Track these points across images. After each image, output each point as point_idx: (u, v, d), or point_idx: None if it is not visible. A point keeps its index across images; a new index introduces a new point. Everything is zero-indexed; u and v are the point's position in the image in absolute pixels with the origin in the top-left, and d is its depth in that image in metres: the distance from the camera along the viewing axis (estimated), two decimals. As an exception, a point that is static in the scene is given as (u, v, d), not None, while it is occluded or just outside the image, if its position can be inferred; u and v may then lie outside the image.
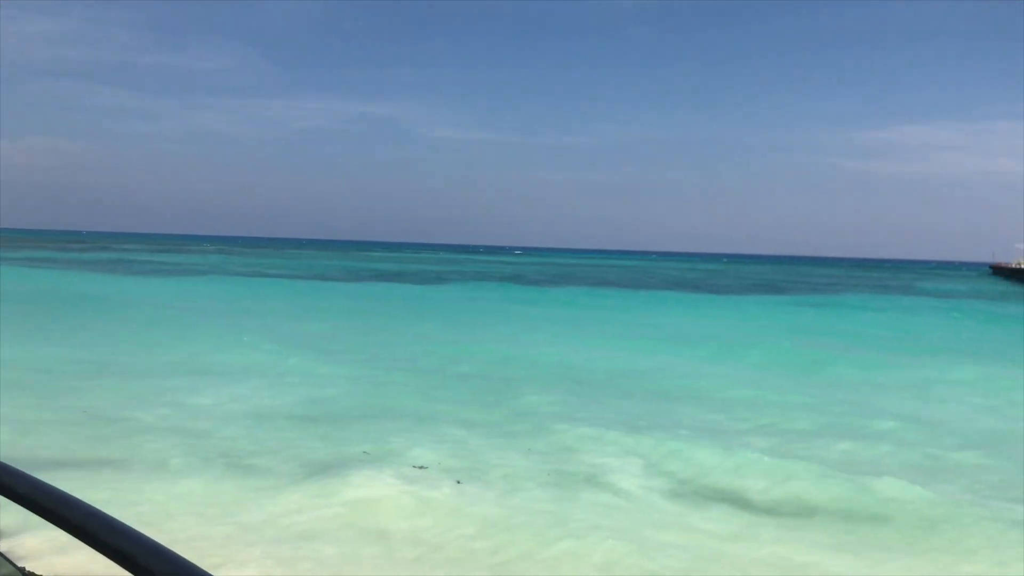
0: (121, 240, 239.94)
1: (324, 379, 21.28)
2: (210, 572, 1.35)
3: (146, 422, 15.69)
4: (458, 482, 12.29)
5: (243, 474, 12.39)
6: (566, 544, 9.82)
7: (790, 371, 26.32)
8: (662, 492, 12.39)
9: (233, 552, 9.12)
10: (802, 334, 38.36)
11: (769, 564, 9.66)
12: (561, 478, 12.80)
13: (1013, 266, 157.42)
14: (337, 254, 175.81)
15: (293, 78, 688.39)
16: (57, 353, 23.52)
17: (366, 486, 11.60)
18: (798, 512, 11.82)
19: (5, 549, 7.06)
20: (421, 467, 12.99)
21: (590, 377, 23.38)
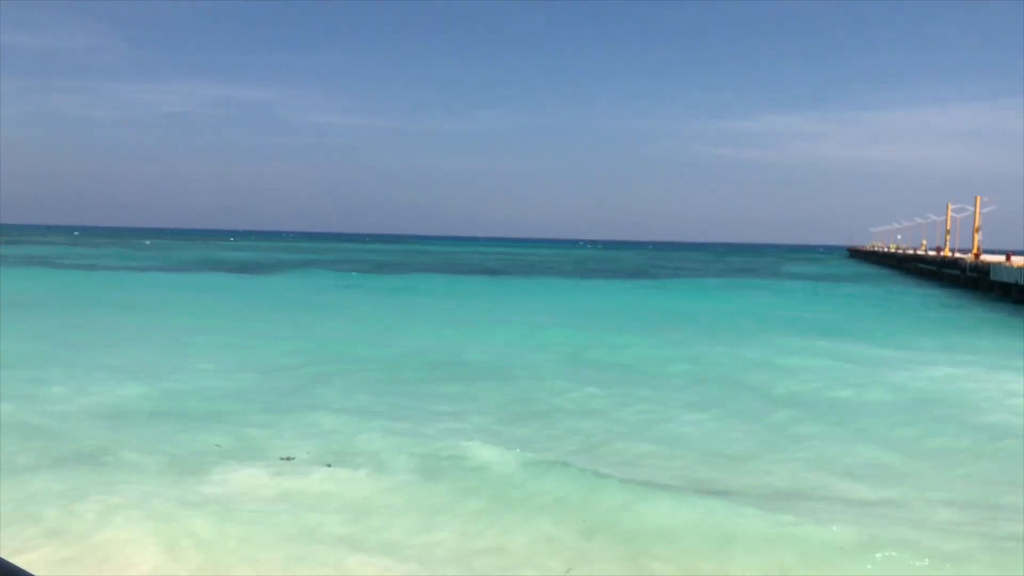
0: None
1: (181, 374, 20.59)
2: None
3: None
4: (328, 465, 12.42)
5: (96, 470, 11.96)
6: (432, 525, 10.05)
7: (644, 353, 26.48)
8: (524, 471, 12.50)
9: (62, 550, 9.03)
10: (650, 316, 39.96)
11: (632, 530, 10.06)
12: (430, 462, 12.89)
13: (867, 248, 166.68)
14: (200, 243, 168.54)
15: (158, 60, 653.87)
16: None
17: (228, 480, 11.60)
18: (653, 481, 12.02)
19: None
20: (288, 458, 12.97)
21: (459, 363, 23.47)
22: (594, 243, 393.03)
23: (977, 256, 74.41)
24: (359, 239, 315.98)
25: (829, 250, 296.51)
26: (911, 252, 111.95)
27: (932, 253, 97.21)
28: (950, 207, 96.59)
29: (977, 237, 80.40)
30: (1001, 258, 68.54)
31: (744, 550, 9.56)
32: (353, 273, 73.75)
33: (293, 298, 46.51)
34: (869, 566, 9.14)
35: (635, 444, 14.67)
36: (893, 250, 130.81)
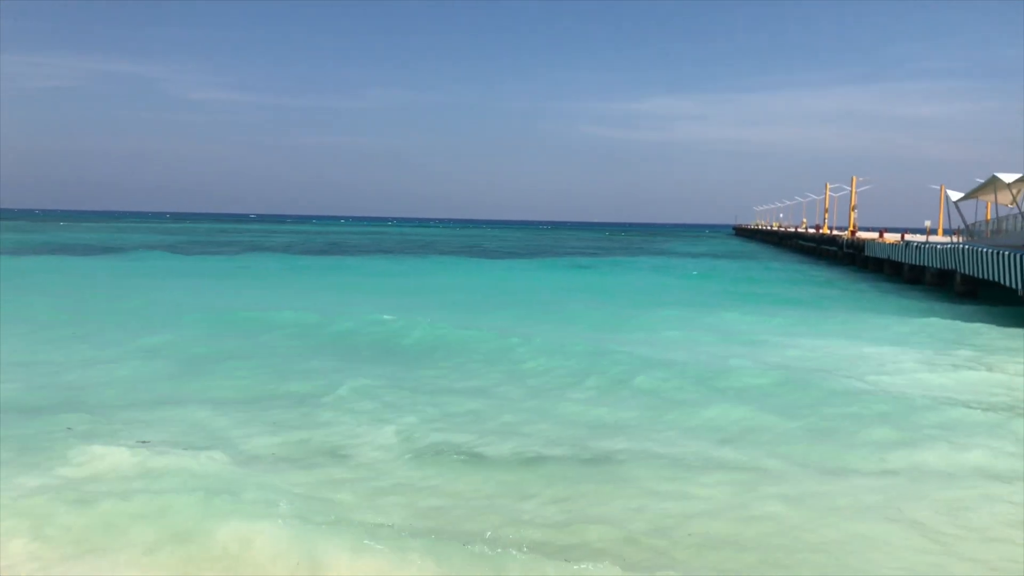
0: None
1: (38, 362, 19.39)
2: None
3: None
4: (185, 450, 12.01)
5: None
6: (298, 514, 9.68)
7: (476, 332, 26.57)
8: (402, 453, 12.37)
9: None
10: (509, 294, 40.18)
11: (509, 516, 9.99)
12: (307, 450, 12.49)
13: (751, 227, 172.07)
14: (50, 226, 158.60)
15: (37, 32, 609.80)
16: None
17: (85, 463, 11.27)
18: (527, 463, 12.18)
19: None
20: (144, 441, 12.48)
21: (349, 344, 22.87)
22: (489, 223, 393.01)
23: (853, 233, 77.34)
24: (243, 220, 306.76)
25: (716, 229, 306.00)
26: (792, 230, 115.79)
27: (812, 231, 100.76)
28: (828, 186, 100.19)
29: (853, 215, 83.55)
30: (875, 235, 71.36)
31: (624, 514, 9.76)
32: (236, 256, 70.89)
33: (155, 283, 43.82)
34: (739, 526, 9.44)
35: (520, 419, 14.49)
36: (776, 228, 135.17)
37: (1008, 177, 43.76)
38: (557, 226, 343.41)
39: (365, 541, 8.66)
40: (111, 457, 11.43)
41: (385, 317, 26.57)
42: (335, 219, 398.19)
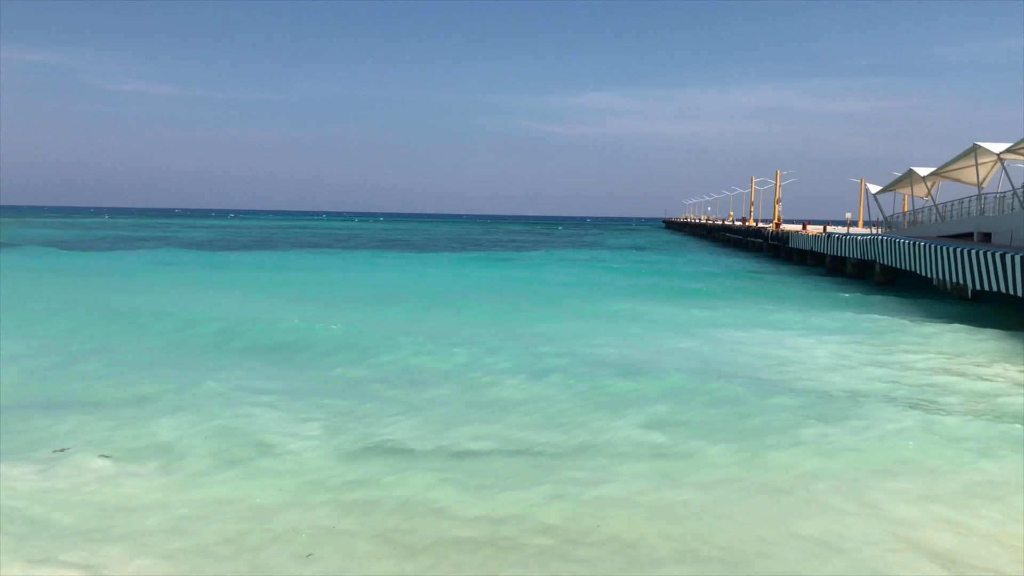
0: None
1: None
2: None
3: None
4: (105, 456, 11.62)
5: None
6: (222, 512, 9.61)
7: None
8: (323, 452, 12.12)
9: None
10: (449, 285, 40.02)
11: (437, 508, 9.97)
12: (226, 447, 12.19)
13: (681, 220, 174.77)
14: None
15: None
16: None
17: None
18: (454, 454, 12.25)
19: None
20: (61, 449, 11.96)
21: (272, 343, 22.28)
22: (423, 217, 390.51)
23: (778, 225, 79.00)
24: (168, 214, 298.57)
25: (648, 222, 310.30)
26: (720, 223, 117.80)
27: (738, 223, 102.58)
28: (754, 180, 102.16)
29: (778, 208, 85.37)
30: (799, 227, 72.96)
31: (546, 504, 9.79)
32: (158, 250, 68.98)
33: (71, 280, 42.21)
34: (656, 512, 9.58)
35: (443, 413, 14.40)
36: (704, 221, 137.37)
37: (923, 171, 45.12)
38: (493, 219, 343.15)
39: (292, 537, 8.62)
40: (23, 468, 11.07)
41: (301, 314, 26.18)
42: (264, 214, 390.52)
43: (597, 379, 17.12)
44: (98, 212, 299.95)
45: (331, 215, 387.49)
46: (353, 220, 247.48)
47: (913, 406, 14.96)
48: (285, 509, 9.66)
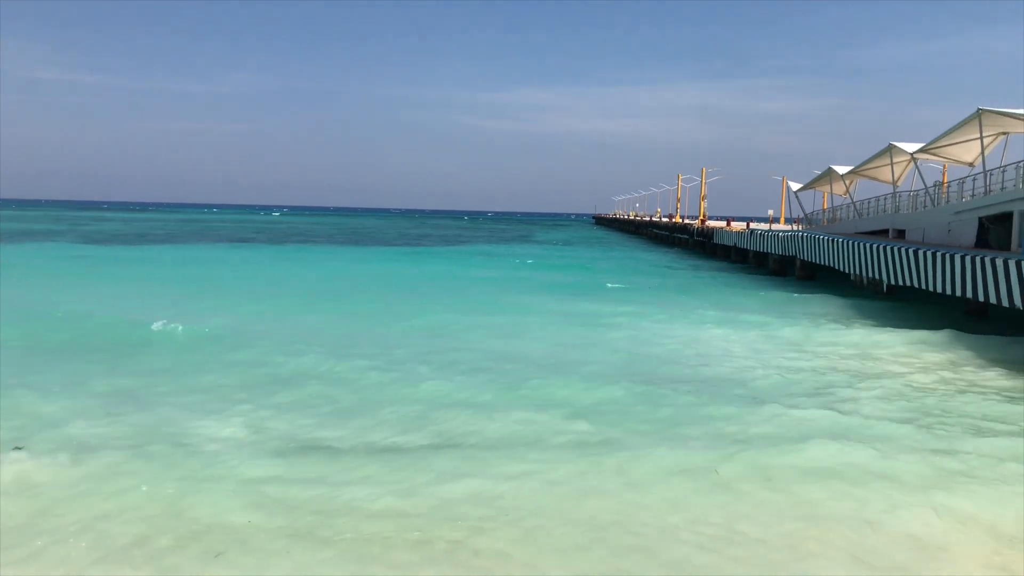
0: None
1: None
2: None
3: None
4: (18, 448, 11.36)
5: None
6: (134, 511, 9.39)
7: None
8: (240, 445, 12.04)
9: None
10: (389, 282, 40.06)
11: (336, 505, 9.82)
12: (146, 443, 11.87)
13: (610, 216, 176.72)
14: None
15: None
16: None
17: None
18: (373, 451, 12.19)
19: None
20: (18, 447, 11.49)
21: (188, 339, 21.75)
22: (358, 211, 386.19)
23: (703, 222, 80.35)
24: (94, 207, 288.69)
25: (579, 218, 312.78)
26: (648, 219, 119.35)
27: (666, 219, 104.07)
28: (680, 177, 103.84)
29: (703, 204, 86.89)
30: (723, 223, 74.36)
31: (466, 495, 9.75)
32: (76, 244, 66.08)
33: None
34: (575, 500, 9.59)
35: (364, 407, 14.24)
36: (632, 217, 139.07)
37: (842, 169, 46.39)
38: (424, 214, 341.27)
39: (213, 536, 8.49)
40: None
41: (204, 311, 25.70)
42: (188, 207, 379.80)
43: (517, 373, 17.04)
44: (5, 204, 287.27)
45: (258, 208, 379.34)
46: (301, 215, 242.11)
47: (823, 395, 15.34)
48: (197, 508, 9.38)
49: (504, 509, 9.40)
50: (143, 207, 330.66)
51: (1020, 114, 27.01)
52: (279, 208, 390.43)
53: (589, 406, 14.37)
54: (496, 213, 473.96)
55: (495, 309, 28.11)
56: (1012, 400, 15.18)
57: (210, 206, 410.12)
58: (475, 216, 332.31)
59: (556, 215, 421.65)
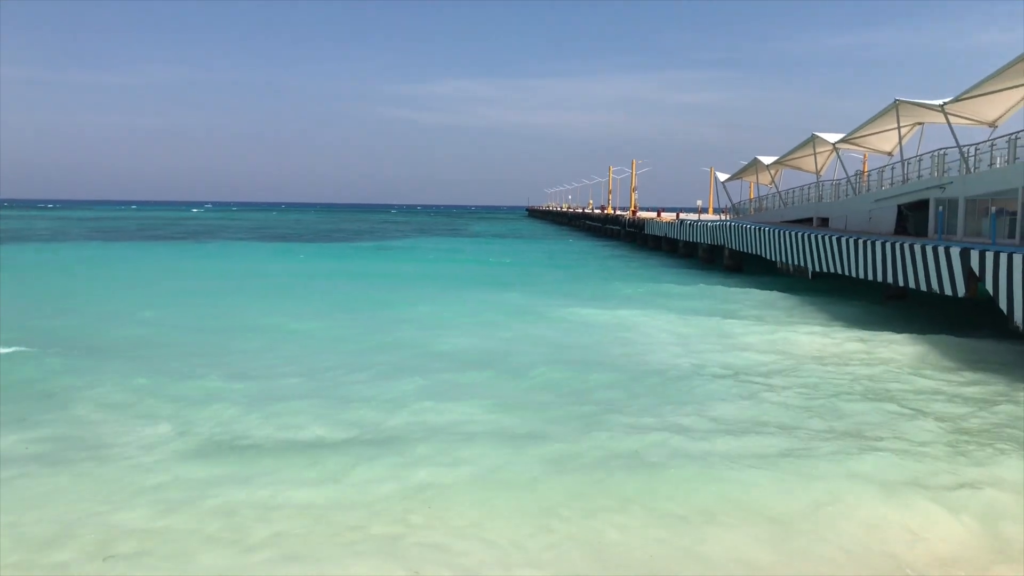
0: None
1: None
2: None
3: None
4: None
5: None
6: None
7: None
8: (168, 452, 11.60)
9: None
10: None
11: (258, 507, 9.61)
12: (58, 449, 11.44)
13: (543, 208, 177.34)
14: None
15: None
16: None
17: None
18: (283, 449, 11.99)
19: None
20: None
21: (109, 338, 21.05)
22: (281, 206, 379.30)
23: (634, 213, 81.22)
24: (35, 206, 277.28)
25: (512, 210, 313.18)
26: (580, 211, 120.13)
27: (598, 211, 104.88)
28: (611, 169, 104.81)
29: (634, 196, 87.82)
30: (654, 214, 75.28)
31: (392, 491, 9.60)
32: (57, 244, 64.65)
33: None
34: (496, 491, 9.51)
35: (293, 406, 13.91)
36: (565, 209, 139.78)
37: (767, 160, 47.31)
38: (351, 208, 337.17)
39: (145, 545, 8.24)
40: None
41: (116, 308, 24.40)
42: (119, 204, 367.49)
43: (442, 367, 16.90)
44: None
45: (179, 204, 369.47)
46: (191, 210, 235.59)
47: (743, 381, 15.58)
48: (109, 513, 9.03)
49: (429, 501, 9.27)
50: (65, 204, 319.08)
51: (934, 105, 27.87)
52: (202, 204, 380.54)
53: (513, 397, 14.31)
54: (428, 206, 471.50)
55: (426, 302, 27.85)
56: (920, 377, 15.61)
57: (132, 203, 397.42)
58: (406, 209, 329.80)
59: (490, 208, 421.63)
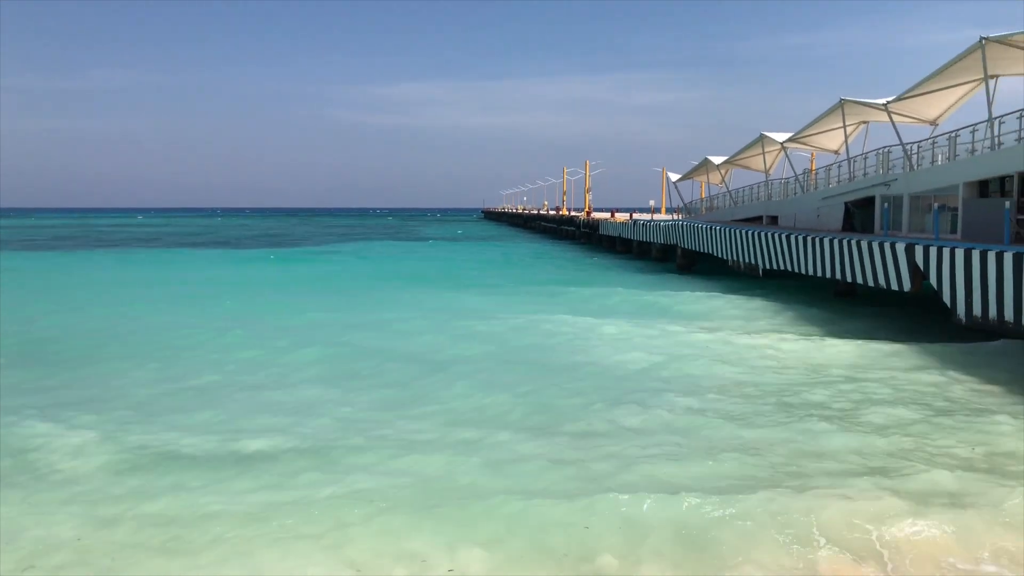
0: None
1: None
2: None
3: None
4: None
5: None
6: None
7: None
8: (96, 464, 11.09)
9: None
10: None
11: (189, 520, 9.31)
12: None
13: (499, 210, 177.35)
14: None
15: None
16: None
17: None
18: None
19: None
20: None
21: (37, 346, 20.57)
22: (231, 211, 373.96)
23: (589, 214, 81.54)
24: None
25: (468, 212, 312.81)
26: (535, 212, 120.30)
27: (553, 212, 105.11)
28: (565, 170, 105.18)
29: (588, 197, 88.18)
30: (608, 215, 75.68)
31: (332, 504, 9.34)
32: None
33: None
34: (448, 495, 9.31)
35: (233, 416, 13.61)
36: (520, 211, 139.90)
37: (717, 159, 47.81)
38: (307, 212, 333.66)
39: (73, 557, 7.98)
40: None
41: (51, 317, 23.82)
42: (77, 212, 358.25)
43: (395, 371, 16.71)
44: None
45: (129, 211, 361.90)
46: (137, 217, 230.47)
47: (693, 379, 15.68)
48: (33, 528, 8.68)
49: (368, 510, 9.03)
50: (23, 213, 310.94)
51: (878, 104, 28.38)
52: (144, 211, 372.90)
53: (463, 402, 14.17)
54: (383, 209, 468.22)
55: (379, 306, 27.60)
56: (864, 371, 15.80)
57: (84, 210, 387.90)
58: (361, 213, 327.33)
59: (445, 210, 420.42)
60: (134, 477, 10.34)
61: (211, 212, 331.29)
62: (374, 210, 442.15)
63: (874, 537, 8.11)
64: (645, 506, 8.82)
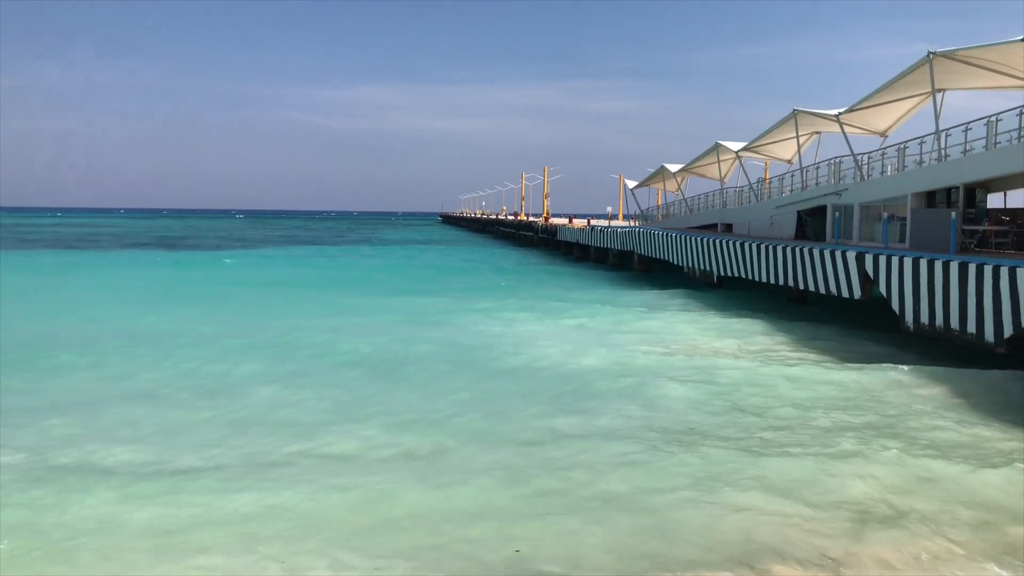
0: None
1: None
2: None
3: None
4: None
5: None
6: None
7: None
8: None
9: None
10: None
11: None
12: None
13: (457, 215, 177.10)
14: None
15: None
16: None
17: None
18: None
19: None
20: None
21: None
22: (179, 212, 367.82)
23: (547, 219, 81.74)
24: None
25: (426, 217, 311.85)
26: (494, 217, 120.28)
27: (511, 217, 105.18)
28: (524, 176, 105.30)
29: (546, 202, 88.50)
30: (566, 220, 75.99)
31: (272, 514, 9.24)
32: None
33: None
34: (387, 505, 9.31)
35: (172, 427, 13.26)
36: (479, 216, 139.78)
37: (673, 167, 48.29)
38: (263, 215, 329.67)
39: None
40: None
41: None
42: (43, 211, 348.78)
43: (342, 380, 16.46)
44: None
45: (79, 212, 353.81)
46: (112, 216, 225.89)
47: (644, 384, 15.69)
48: None
49: (303, 526, 8.88)
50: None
51: (830, 115, 28.89)
52: (112, 211, 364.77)
53: (412, 411, 13.95)
54: (340, 212, 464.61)
55: (330, 312, 27.30)
56: (811, 377, 15.97)
57: (53, 210, 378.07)
58: (317, 216, 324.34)
59: (403, 214, 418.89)
60: (42, 489, 9.87)
61: (159, 213, 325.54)
62: (329, 213, 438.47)
63: (819, 552, 8.19)
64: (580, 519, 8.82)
